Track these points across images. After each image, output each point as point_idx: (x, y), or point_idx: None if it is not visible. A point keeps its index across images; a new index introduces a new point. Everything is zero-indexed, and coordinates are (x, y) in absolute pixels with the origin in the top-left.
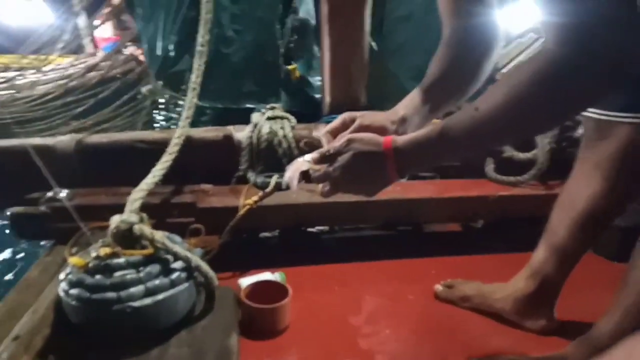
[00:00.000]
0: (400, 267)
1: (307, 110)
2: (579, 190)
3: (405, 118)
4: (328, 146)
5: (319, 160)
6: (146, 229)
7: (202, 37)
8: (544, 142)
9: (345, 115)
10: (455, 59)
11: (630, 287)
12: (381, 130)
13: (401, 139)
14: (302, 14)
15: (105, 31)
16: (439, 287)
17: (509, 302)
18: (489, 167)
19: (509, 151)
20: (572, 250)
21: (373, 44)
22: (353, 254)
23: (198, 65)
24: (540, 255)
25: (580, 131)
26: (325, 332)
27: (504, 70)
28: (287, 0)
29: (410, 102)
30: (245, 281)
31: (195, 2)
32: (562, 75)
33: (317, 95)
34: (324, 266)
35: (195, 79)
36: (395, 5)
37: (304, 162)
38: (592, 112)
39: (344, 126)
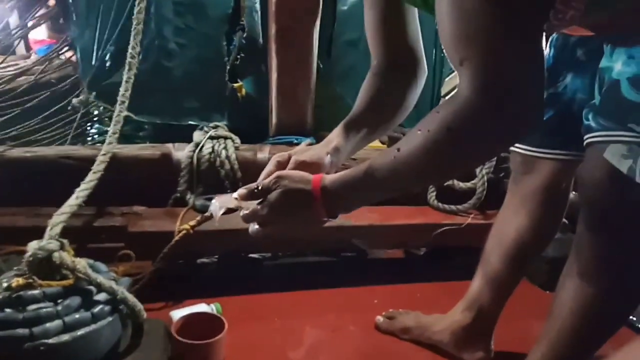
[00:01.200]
0: (342, 295)
1: (253, 130)
2: (508, 223)
3: (338, 147)
4: (256, 183)
5: (247, 197)
6: (67, 257)
7: (133, 48)
8: (482, 173)
9: (277, 157)
10: (382, 89)
11: (553, 320)
12: (318, 164)
13: (329, 178)
14: (249, 32)
15: (40, 33)
16: (379, 319)
17: (446, 334)
18: (431, 195)
19: (450, 180)
20: (505, 280)
21: (321, 66)
22: (295, 281)
23: (127, 77)
24: (475, 286)
25: None
26: None
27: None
28: (235, 17)
29: (342, 131)
30: (178, 313)
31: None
32: (474, 124)
33: (263, 115)
34: (264, 295)
35: (124, 91)
36: (344, 29)
37: (232, 198)
38: (518, 147)
39: (280, 167)
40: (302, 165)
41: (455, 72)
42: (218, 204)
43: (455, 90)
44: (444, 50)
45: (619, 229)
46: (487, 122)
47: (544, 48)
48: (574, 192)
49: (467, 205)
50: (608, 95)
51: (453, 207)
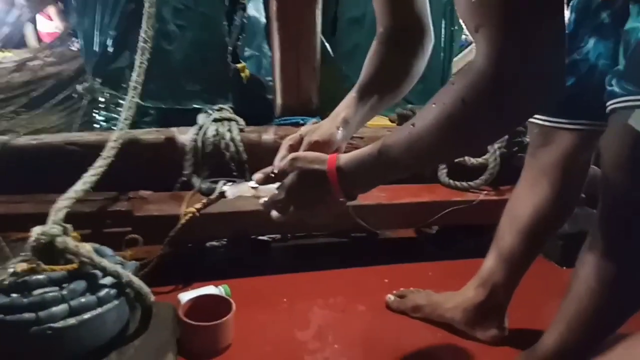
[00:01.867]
0: (352, 276)
1: (258, 111)
2: (525, 198)
3: (347, 120)
4: (272, 167)
5: (263, 181)
6: (70, 242)
7: (145, 32)
8: (494, 147)
9: (289, 141)
10: (388, 58)
11: (572, 298)
12: (330, 141)
13: (344, 158)
14: (250, 10)
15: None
16: (390, 297)
17: (458, 312)
18: (442, 172)
19: (467, 155)
20: (520, 257)
21: (327, 45)
22: (304, 263)
23: (140, 62)
24: (489, 263)
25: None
26: (270, 350)
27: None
28: None
29: (349, 103)
30: (186, 295)
31: None
32: (490, 96)
33: (269, 96)
34: (273, 277)
35: (136, 77)
36: (348, 7)
37: (249, 188)
38: (536, 118)
39: (293, 149)
40: (315, 145)
41: (467, 49)
42: (231, 193)
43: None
44: (460, 17)
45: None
46: (503, 93)
47: (565, 12)
48: (593, 165)
49: (479, 181)
50: (634, 58)
51: (464, 183)
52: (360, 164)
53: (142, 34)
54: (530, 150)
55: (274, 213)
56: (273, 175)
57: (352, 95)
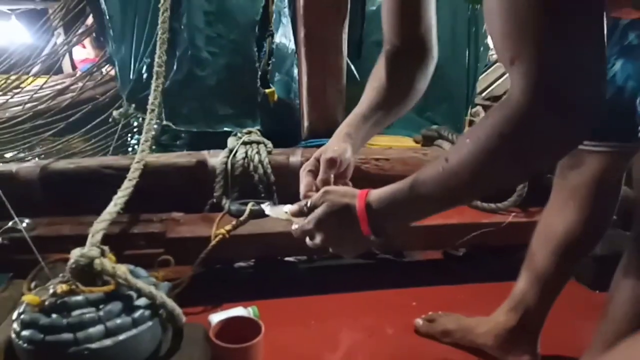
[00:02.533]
0: (380, 298)
1: (285, 134)
2: (555, 220)
3: (352, 136)
4: (305, 199)
5: (297, 214)
6: (107, 264)
7: (159, 57)
8: None
9: (308, 168)
10: (392, 75)
11: (609, 321)
12: (342, 157)
13: (374, 194)
14: (279, 37)
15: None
16: (419, 322)
17: (490, 337)
18: None
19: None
20: (552, 280)
21: (352, 67)
22: (331, 284)
23: (155, 86)
24: (521, 286)
25: None
26: None
27: (484, 94)
28: (264, 23)
29: (353, 120)
30: (216, 317)
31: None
32: (528, 129)
33: (296, 119)
34: (301, 298)
35: (153, 99)
36: (373, 30)
37: (284, 212)
38: None
39: (314, 175)
40: (330, 162)
41: (491, 68)
42: (269, 211)
43: (505, 93)
44: (494, 49)
45: None
46: (542, 126)
47: (605, 43)
48: (625, 186)
49: (508, 203)
50: None
51: (493, 205)
52: (391, 201)
53: (157, 59)
54: (559, 171)
55: (307, 240)
56: (306, 209)
57: (356, 112)
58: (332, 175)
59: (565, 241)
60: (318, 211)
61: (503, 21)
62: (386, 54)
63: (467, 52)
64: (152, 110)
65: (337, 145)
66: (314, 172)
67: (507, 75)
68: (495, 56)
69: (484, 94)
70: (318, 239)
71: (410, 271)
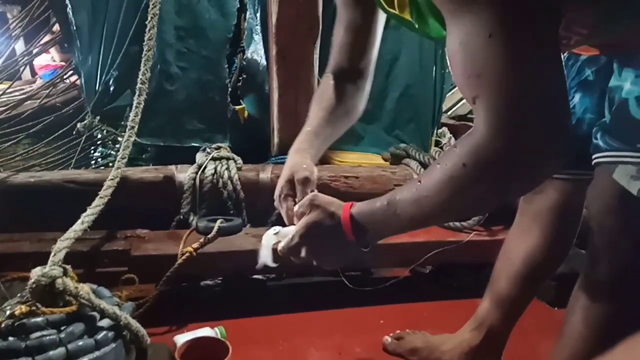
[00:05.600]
0: (348, 316)
1: (255, 150)
2: (519, 243)
3: (307, 150)
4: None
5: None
6: (70, 283)
7: (143, 74)
8: None
9: (284, 181)
10: (339, 95)
11: (565, 341)
12: (313, 175)
13: (357, 206)
14: (250, 53)
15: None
16: (387, 339)
17: (456, 354)
18: None
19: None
20: (514, 301)
21: None
22: (300, 302)
23: (137, 102)
24: (485, 306)
25: None
26: None
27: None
28: (235, 39)
29: (307, 138)
30: (182, 337)
31: (138, 38)
32: (490, 161)
33: (266, 136)
34: (269, 317)
35: (133, 117)
36: None
37: (272, 236)
38: None
39: (293, 189)
40: (305, 181)
41: (456, 88)
42: (265, 252)
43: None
44: (457, 87)
45: (629, 252)
46: (504, 159)
47: (564, 76)
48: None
49: (472, 222)
50: (617, 115)
51: (458, 224)
52: (371, 215)
53: (141, 76)
54: (524, 195)
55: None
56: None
57: (307, 130)
58: (308, 192)
59: (527, 265)
60: (306, 219)
61: (461, 64)
62: (334, 77)
63: (434, 74)
64: (132, 127)
65: (305, 164)
66: (291, 195)
67: None
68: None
69: (449, 113)
70: (303, 250)
71: (378, 289)
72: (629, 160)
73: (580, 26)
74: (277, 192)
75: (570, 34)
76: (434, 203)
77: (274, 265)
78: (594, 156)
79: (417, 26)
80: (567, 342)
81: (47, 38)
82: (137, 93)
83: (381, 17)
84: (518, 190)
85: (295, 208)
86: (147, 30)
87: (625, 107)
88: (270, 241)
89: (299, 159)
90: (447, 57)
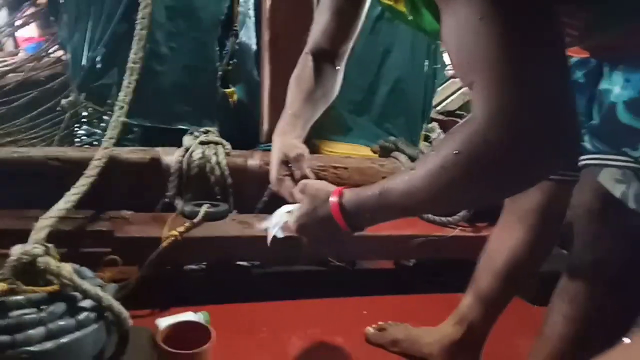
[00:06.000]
0: (332, 306)
1: (244, 136)
2: (503, 241)
3: (290, 132)
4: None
5: None
6: (52, 262)
7: (135, 53)
8: None
9: (279, 159)
10: (318, 75)
11: (544, 340)
12: (305, 154)
13: (348, 194)
14: (242, 37)
15: (29, 31)
16: (370, 330)
17: (436, 348)
18: None
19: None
20: (496, 299)
21: None
22: (284, 291)
23: (128, 82)
24: (467, 301)
25: None
26: None
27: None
28: (228, 23)
29: (290, 121)
30: (164, 321)
31: (127, 16)
32: (483, 151)
33: (255, 122)
34: (253, 304)
35: (124, 96)
36: None
37: (284, 213)
38: None
39: (288, 167)
40: (302, 158)
41: (447, 83)
42: (273, 226)
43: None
44: (455, 72)
45: (610, 254)
46: (497, 150)
47: (567, 63)
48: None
49: (458, 217)
50: (605, 118)
51: (443, 218)
52: (362, 203)
53: (132, 55)
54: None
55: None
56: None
57: (288, 112)
58: (305, 168)
59: (510, 263)
60: (299, 209)
61: (456, 48)
62: (314, 57)
63: (425, 69)
64: (121, 107)
65: (293, 143)
66: (288, 176)
67: (461, 90)
68: (451, 72)
69: (438, 108)
70: (303, 238)
71: (362, 280)
72: (614, 163)
73: (571, 28)
74: (272, 175)
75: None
76: (426, 192)
77: (282, 235)
78: (581, 157)
79: (410, 18)
80: (546, 341)
81: (31, 10)
82: (129, 73)
83: (366, 3)
84: (510, 186)
85: (272, 177)
86: (140, 8)
87: (613, 111)
88: (282, 218)
89: (287, 140)
90: (442, 45)
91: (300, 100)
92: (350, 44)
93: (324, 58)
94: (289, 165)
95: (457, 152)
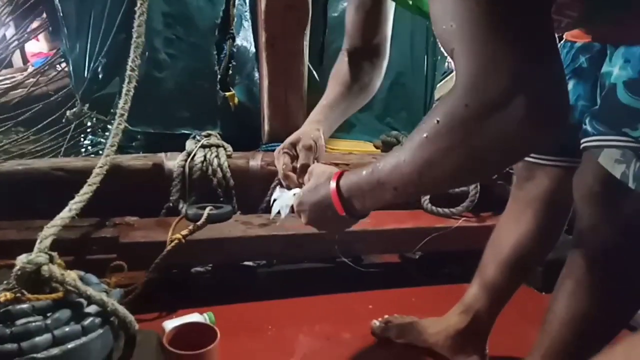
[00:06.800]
0: (337, 302)
1: (245, 138)
2: (509, 229)
3: (320, 122)
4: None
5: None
6: (56, 270)
7: (133, 61)
8: None
9: (284, 149)
10: (354, 72)
11: (547, 329)
12: (317, 144)
13: (344, 178)
14: (240, 40)
15: (36, 45)
16: (375, 323)
17: (441, 337)
18: (425, 198)
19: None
20: (502, 288)
21: (314, 73)
22: (289, 289)
23: (127, 90)
24: (473, 291)
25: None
26: None
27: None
28: (225, 26)
29: (321, 110)
30: (171, 323)
31: (126, 25)
32: (462, 123)
33: (256, 123)
34: (258, 303)
35: (123, 104)
36: (335, 37)
37: (292, 196)
38: None
39: (291, 157)
40: (308, 149)
41: (448, 77)
42: (279, 204)
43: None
44: (438, 40)
45: (611, 236)
46: (478, 116)
47: (553, 39)
48: None
49: (461, 208)
50: (605, 100)
51: (447, 210)
52: (356, 185)
53: (130, 63)
54: (516, 182)
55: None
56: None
57: (323, 103)
58: (311, 160)
59: (517, 251)
60: (303, 188)
61: (437, 13)
62: (348, 54)
63: (425, 62)
64: (122, 115)
65: (312, 133)
66: (290, 155)
67: None
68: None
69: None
70: (303, 217)
71: (368, 275)
72: (614, 144)
73: (571, 9)
74: (278, 148)
75: (562, 17)
76: (411, 165)
77: (285, 214)
78: (582, 141)
79: (411, 2)
80: (550, 328)
81: (35, 24)
82: (127, 80)
83: None
84: (494, 157)
85: (279, 167)
86: (136, 16)
87: (613, 92)
88: (289, 200)
89: (309, 128)
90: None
91: (335, 93)
92: (383, 38)
93: (359, 54)
94: (296, 149)
95: (438, 120)
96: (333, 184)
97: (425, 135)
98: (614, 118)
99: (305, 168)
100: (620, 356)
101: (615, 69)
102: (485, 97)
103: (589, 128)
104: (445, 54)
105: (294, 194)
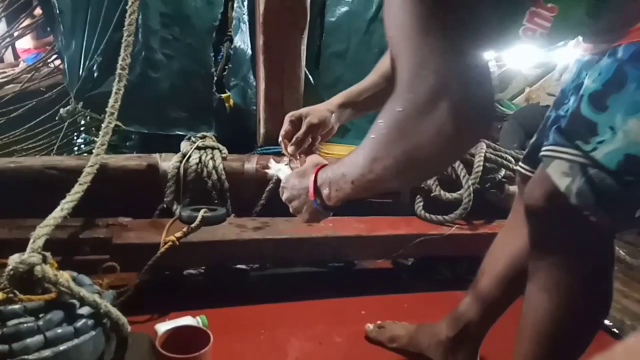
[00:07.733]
0: (330, 306)
1: (240, 140)
2: (506, 242)
3: (341, 106)
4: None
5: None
6: (49, 271)
7: (123, 60)
8: (468, 183)
9: (291, 117)
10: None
11: (522, 334)
12: (325, 122)
13: (325, 167)
14: (237, 42)
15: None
16: (369, 326)
17: (433, 343)
18: (418, 205)
19: (437, 190)
20: (495, 300)
21: (310, 77)
22: (282, 292)
23: (117, 88)
24: (466, 300)
25: (502, 173)
26: None
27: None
28: (222, 28)
29: (347, 94)
30: (163, 326)
31: (123, 23)
32: (395, 120)
33: (252, 125)
34: (251, 307)
35: (113, 102)
36: (331, 41)
37: (288, 168)
38: (519, 166)
39: (294, 127)
40: (312, 127)
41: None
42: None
43: None
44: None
45: (553, 246)
46: (411, 123)
47: (477, 45)
48: None
49: (454, 215)
50: (572, 111)
51: (440, 217)
52: (328, 173)
53: (120, 62)
54: (519, 192)
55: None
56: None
57: (353, 88)
58: (310, 137)
59: (511, 265)
60: (294, 171)
61: (386, 19)
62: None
63: None
64: (112, 114)
65: (322, 113)
66: (295, 124)
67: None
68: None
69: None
70: (284, 194)
71: (361, 280)
72: (565, 156)
73: (542, 18)
74: (290, 113)
75: (535, 26)
76: (362, 163)
77: (280, 176)
78: (542, 149)
79: None
80: (522, 338)
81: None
82: (117, 79)
83: None
84: (426, 160)
85: (281, 134)
86: (127, 15)
87: (579, 104)
88: (286, 169)
89: (323, 108)
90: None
91: (370, 80)
92: None
93: None
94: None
95: (381, 122)
96: (313, 175)
97: (372, 135)
98: (572, 130)
99: (299, 141)
100: (620, 356)
101: (586, 80)
102: (416, 99)
103: (550, 136)
104: None
105: (292, 167)
